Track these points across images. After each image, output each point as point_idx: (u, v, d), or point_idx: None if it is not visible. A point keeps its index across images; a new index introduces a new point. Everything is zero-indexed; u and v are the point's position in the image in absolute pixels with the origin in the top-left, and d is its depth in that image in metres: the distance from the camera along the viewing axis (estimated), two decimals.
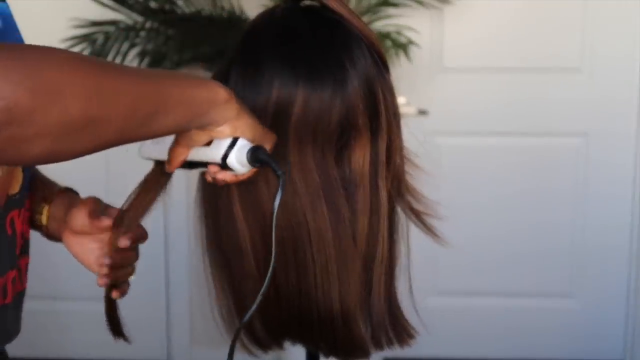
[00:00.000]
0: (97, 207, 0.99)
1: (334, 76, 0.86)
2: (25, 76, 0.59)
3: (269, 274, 0.83)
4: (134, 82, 0.68)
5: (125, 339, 1.01)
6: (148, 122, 0.70)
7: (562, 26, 2.68)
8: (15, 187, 0.93)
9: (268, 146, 0.83)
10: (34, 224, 1.03)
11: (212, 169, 0.83)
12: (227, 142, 0.81)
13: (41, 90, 0.59)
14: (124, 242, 0.92)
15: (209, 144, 0.81)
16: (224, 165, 0.82)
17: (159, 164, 0.88)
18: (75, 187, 1.08)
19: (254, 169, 0.83)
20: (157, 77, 0.73)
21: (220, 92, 0.77)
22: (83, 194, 1.06)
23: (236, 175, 0.83)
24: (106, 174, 2.70)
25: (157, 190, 0.91)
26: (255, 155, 0.81)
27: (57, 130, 0.61)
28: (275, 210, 0.82)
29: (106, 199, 1.03)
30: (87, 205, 0.98)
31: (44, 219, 1.02)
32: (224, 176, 0.83)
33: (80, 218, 0.97)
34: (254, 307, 0.82)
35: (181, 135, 0.81)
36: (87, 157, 1.14)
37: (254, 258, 0.90)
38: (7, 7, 0.92)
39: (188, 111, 0.74)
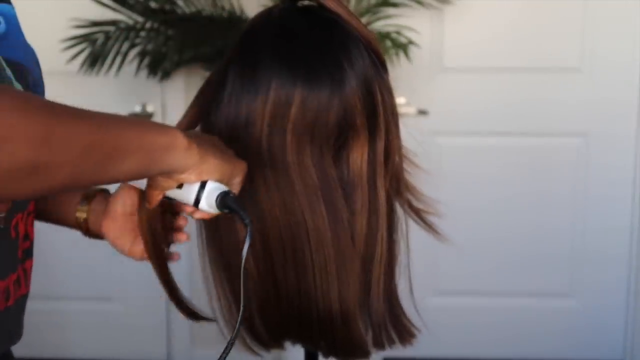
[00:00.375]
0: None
1: (331, 76, 0.86)
2: None
3: (242, 301, 0.83)
4: (88, 128, 0.67)
5: (204, 318, 1.00)
6: (102, 168, 0.69)
7: (562, 26, 2.67)
8: None
9: (239, 178, 0.84)
10: (72, 223, 1.06)
11: (188, 209, 0.84)
12: (196, 186, 0.81)
13: None
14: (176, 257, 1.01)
15: (180, 185, 0.82)
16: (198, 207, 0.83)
17: (142, 192, 0.89)
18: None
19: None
20: (114, 122, 0.71)
21: (179, 139, 0.76)
22: None
23: (212, 214, 0.84)
24: None
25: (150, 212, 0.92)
26: (223, 201, 0.81)
27: (2, 174, 0.60)
28: (244, 258, 0.82)
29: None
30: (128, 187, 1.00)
31: (84, 215, 1.04)
32: (200, 215, 0.85)
33: (121, 201, 0.99)
34: (241, 313, 0.82)
35: (151, 179, 0.81)
36: None
37: (253, 258, 0.90)
38: (12, 8, 0.92)
39: (145, 158, 0.73)
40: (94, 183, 0.71)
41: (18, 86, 0.85)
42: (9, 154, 0.60)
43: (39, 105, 0.64)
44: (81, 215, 1.04)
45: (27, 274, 0.97)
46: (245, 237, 0.81)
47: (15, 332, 0.97)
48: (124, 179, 0.75)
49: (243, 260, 0.81)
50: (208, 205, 0.82)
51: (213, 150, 0.81)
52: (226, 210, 0.82)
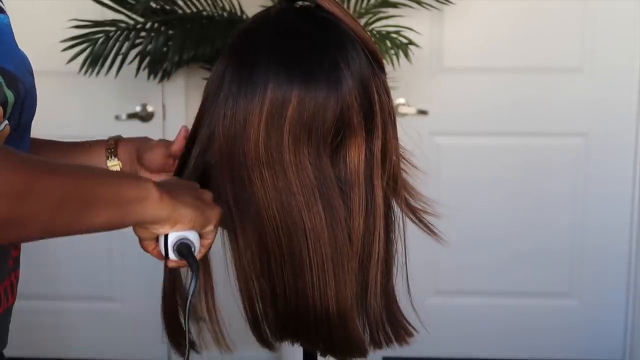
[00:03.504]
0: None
1: (328, 76, 0.86)
2: None
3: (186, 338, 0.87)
4: (64, 181, 0.70)
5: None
6: (76, 220, 0.72)
7: (563, 26, 2.68)
8: None
9: (213, 222, 0.86)
10: None
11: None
12: (162, 239, 0.84)
13: None
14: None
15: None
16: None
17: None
18: None
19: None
20: (89, 175, 0.75)
21: (152, 192, 0.79)
22: None
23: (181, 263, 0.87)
24: None
25: None
26: (179, 250, 0.84)
27: None
28: (189, 299, 0.84)
29: None
30: (160, 147, 1.05)
31: (117, 168, 1.07)
32: (173, 264, 0.87)
33: (155, 159, 1.04)
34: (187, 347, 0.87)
35: (135, 229, 0.84)
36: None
37: (251, 257, 0.90)
38: (6, 17, 0.91)
39: (118, 210, 0.76)
40: (68, 233, 0.74)
41: (9, 92, 0.85)
42: None
43: (17, 161, 0.66)
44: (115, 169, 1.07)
45: (13, 285, 0.97)
46: (192, 279, 0.83)
47: (1, 340, 0.96)
48: (98, 229, 0.77)
49: (189, 301, 0.84)
50: (173, 254, 0.85)
51: (186, 199, 0.83)
52: (182, 258, 0.85)
